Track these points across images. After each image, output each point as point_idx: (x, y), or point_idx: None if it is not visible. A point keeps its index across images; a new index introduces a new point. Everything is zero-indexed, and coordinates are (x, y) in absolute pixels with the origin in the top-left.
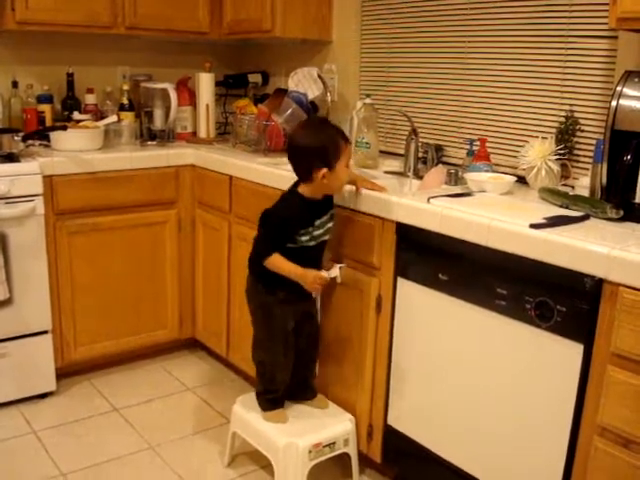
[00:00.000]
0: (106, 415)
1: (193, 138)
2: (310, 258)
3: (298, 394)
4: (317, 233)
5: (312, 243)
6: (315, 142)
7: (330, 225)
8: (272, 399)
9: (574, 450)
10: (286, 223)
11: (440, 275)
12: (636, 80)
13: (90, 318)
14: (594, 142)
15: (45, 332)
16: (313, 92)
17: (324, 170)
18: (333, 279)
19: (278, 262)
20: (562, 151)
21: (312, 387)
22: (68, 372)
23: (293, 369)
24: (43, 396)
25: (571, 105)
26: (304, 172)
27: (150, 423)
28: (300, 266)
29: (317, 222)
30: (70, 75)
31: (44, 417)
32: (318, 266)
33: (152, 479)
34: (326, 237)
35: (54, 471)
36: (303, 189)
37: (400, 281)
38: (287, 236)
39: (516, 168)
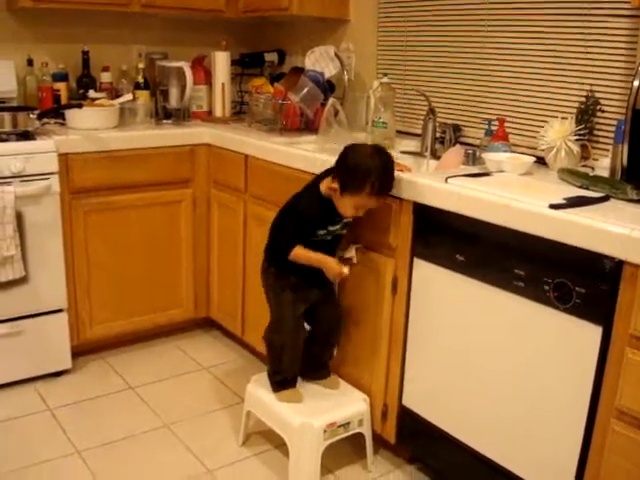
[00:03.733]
0: (121, 393)
1: (208, 117)
2: (325, 249)
3: (311, 372)
4: (333, 229)
5: (329, 237)
6: (353, 161)
7: (349, 220)
8: (281, 380)
9: (591, 432)
10: (307, 222)
11: (457, 256)
12: None
13: (105, 297)
14: (615, 122)
15: (60, 310)
16: (330, 71)
17: (335, 185)
18: (349, 259)
19: (300, 254)
20: (582, 131)
21: (327, 367)
22: (83, 350)
23: (310, 351)
24: (58, 374)
25: (592, 85)
26: (332, 169)
27: (165, 401)
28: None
29: (337, 218)
30: (85, 53)
31: (59, 395)
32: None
33: (166, 457)
34: (343, 232)
35: (69, 448)
36: (323, 185)
37: (417, 261)
38: (307, 234)
39: (535, 148)
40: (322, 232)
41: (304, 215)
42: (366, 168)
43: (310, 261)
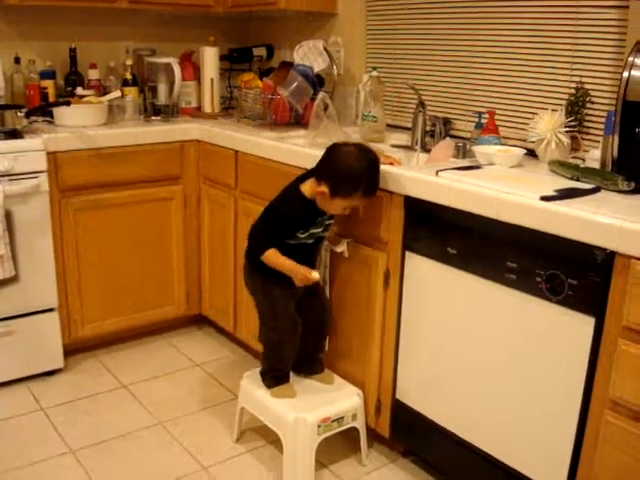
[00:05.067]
0: (114, 392)
1: (198, 113)
2: (306, 252)
3: (305, 368)
4: (316, 231)
5: (310, 241)
6: (342, 167)
7: (330, 222)
8: (278, 376)
9: (584, 424)
10: (286, 224)
11: (449, 249)
12: None
13: (97, 295)
14: (605, 114)
15: (52, 309)
16: (319, 65)
17: (324, 189)
18: (341, 254)
19: (273, 257)
20: (572, 123)
21: (320, 361)
22: (75, 349)
23: (302, 344)
24: (51, 373)
25: (581, 76)
26: (316, 171)
27: (158, 399)
28: (295, 260)
29: (318, 220)
30: (73, 50)
31: (52, 394)
32: (314, 260)
33: (161, 455)
34: (324, 234)
35: (63, 448)
36: (306, 187)
37: (408, 255)
38: (286, 235)
39: (525, 141)
40: (303, 235)
41: (285, 215)
42: (357, 173)
43: (281, 266)
